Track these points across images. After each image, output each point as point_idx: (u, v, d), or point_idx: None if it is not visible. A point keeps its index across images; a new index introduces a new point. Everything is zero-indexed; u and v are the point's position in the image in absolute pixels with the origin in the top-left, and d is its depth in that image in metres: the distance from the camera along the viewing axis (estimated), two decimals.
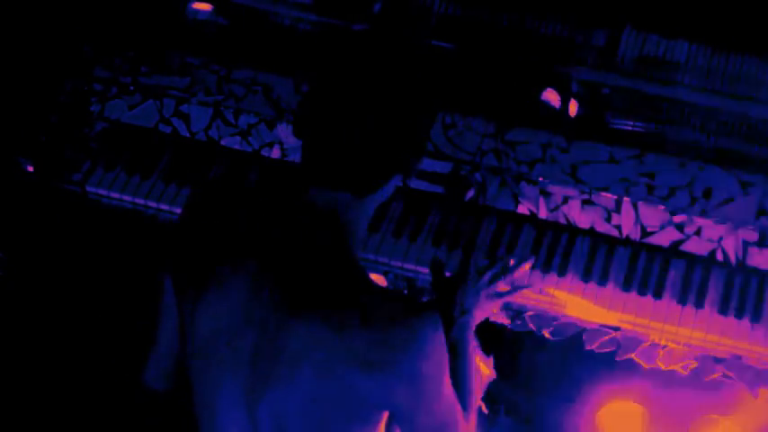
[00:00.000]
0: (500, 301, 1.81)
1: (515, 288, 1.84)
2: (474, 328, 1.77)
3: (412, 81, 1.37)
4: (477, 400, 1.67)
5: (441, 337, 1.36)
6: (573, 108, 2.22)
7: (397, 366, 1.33)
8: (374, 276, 2.19)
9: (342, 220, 1.41)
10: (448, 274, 1.88)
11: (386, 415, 1.46)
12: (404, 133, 1.37)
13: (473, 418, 1.63)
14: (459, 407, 1.50)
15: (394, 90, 1.36)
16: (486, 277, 1.80)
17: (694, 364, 2.10)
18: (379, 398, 1.37)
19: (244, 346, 1.40)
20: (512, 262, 1.84)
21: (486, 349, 2.00)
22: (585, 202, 2.15)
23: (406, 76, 1.37)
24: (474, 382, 1.69)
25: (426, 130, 1.42)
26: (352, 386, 1.34)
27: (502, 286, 1.81)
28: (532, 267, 2.14)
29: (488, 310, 1.80)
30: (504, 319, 2.20)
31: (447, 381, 1.42)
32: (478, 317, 1.78)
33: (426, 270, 2.16)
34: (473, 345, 1.76)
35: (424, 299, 2.21)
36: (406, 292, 2.22)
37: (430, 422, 1.43)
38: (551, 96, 2.23)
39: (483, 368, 2.00)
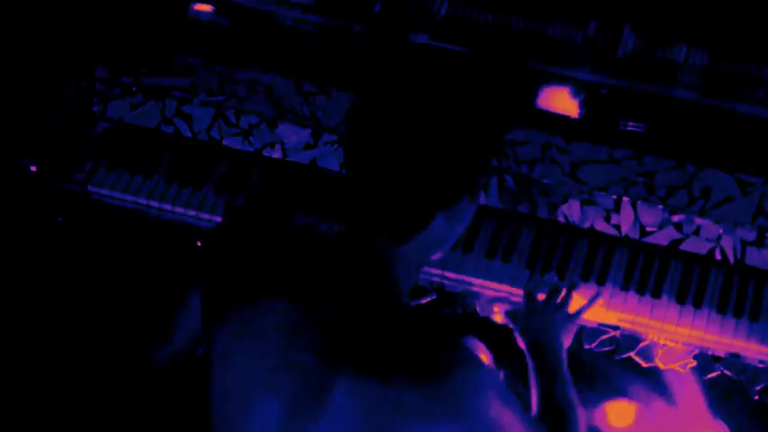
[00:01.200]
0: (576, 321, 1.84)
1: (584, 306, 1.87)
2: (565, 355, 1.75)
3: (484, 107, 1.24)
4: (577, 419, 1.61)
5: (493, 375, 1.30)
6: (572, 108, 2.23)
7: (453, 417, 1.25)
8: None
9: (388, 268, 1.32)
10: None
11: None
12: (456, 169, 1.23)
13: None
14: None
15: (467, 118, 1.23)
16: (559, 302, 1.84)
17: (693, 363, 2.11)
18: None
19: (282, 391, 1.32)
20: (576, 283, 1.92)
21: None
22: (585, 202, 2.16)
23: (479, 101, 1.24)
24: (579, 410, 1.62)
25: (484, 164, 1.28)
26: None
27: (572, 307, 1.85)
28: (532, 269, 2.15)
29: (571, 335, 1.81)
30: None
31: (516, 417, 1.31)
32: (565, 338, 1.79)
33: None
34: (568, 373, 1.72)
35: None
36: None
37: None
38: (551, 97, 2.24)
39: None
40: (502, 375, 1.34)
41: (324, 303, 1.31)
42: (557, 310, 1.83)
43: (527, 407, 1.65)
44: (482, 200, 2.12)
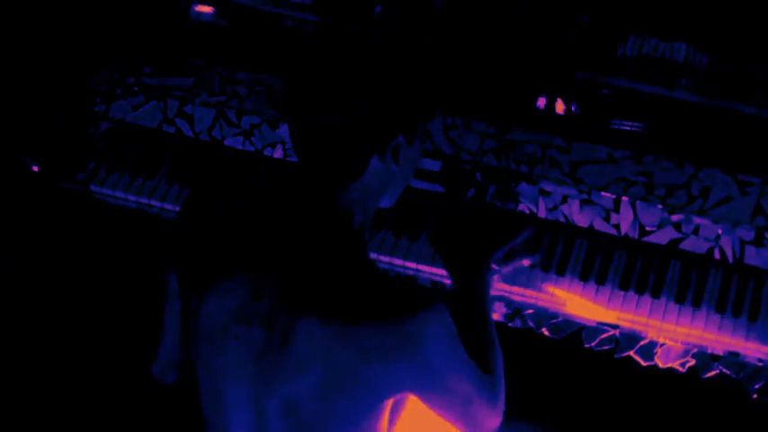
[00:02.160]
0: (511, 264, 1.98)
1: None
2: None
3: (391, 69, 1.40)
4: (501, 362, 1.70)
5: (448, 324, 1.40)
6: (572, 109, 2.24)
7: (408, 357, 1.36)
8: None
9: (341, 207, 1.45)
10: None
11: (391, 401, 1.49)
12: (372, 113, 1.39)
13: (502, 388, 1.65)
14: (483, 383, 1.54)
15: (369, 78, 1.39)
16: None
17: (692, 362, 2.12)
18: (390, 387, 1.40)
19: (251, 341, 1.42)
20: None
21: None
22: (584, 202, 2.17)
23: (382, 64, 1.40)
24: (494, 335, 1.74)
25: (403, 113, 1.43)
26: (362, 378, 1.37)
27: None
28: (532, 267, 2.17)
29: (502, 273, 1.97)
30: (503, 318, 2.21)
31: (462, 361, 1.46)
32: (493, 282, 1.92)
33: (427, 269, 2.18)
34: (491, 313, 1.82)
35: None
36: None
37: (452, 400, 1.48)
38: (551, 97, 2.25)
39: None
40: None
41: (281, 250, 1.42)
42: (494, 248, 1.95)
43: None
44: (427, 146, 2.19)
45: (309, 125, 1.41)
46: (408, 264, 2.20)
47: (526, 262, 2.09)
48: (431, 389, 1.45)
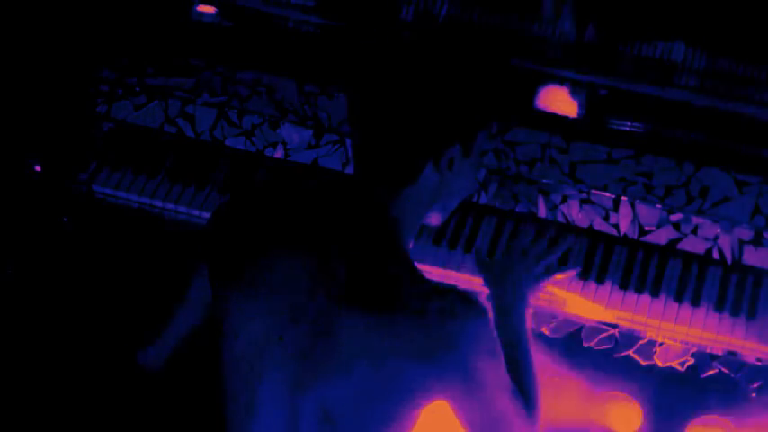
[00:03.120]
0: (548, 280, 1.87)
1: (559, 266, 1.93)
2: (531, 313, 1.81)
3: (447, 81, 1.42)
4: (540, 393, 1.67)
5: (489, 329, 1.40)
6: (571, 109, 2.25)
7: (447, 357, 1.36)
8: None
9: (392, 214, 1.45)
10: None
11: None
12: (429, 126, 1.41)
13: (538, 412, 1.62)
14: (518, 401, 1.51)
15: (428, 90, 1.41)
16: (532, 256, 1.86)
17: (691, 361, 2.13)
18: (428, 388, 1.39)
19: (294, 341, 1.42)
20: (552, 233, 1.94)
21: None
22: (584, 202, 2.18)
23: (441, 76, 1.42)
24: (536, 372, 1.70)
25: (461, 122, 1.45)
26: (403, 377, 1.37)
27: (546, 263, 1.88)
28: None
29: (541, 290, 1.86)
30: None
31: (500, 373, 1.45)
32: (534, 299, 1.84)
33: (427, 268, 2.19)
34: (530, 331, 1.77)
35: None
36: None
37: (484, 415, 1.45)
38: (550, 97, 2.26)
39: None
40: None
41: (332, 249, 1.42)
42: (533, 263, 1.85)
43: None
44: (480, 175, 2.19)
45: (373, 130, 1.42)
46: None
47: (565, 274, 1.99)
48: (466, 394, 1.42)
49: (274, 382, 1.44)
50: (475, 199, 2.21)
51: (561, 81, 2.24)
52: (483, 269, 1.92)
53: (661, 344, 2.12)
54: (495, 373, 1.43)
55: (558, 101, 2.26)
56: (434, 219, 1.55)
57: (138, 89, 2.39)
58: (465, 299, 1.39)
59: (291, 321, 1.42)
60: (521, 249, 1.88)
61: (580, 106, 2.24)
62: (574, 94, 2.25)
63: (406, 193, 1.44)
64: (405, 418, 1.42)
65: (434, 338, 1.35)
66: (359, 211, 1.46)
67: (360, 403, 1.40)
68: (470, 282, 2.15)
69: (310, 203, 1.51)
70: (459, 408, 1.44)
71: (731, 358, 2.09)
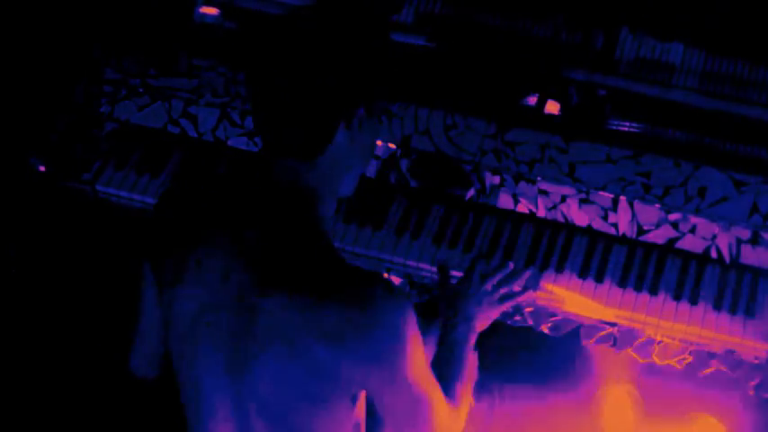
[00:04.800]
0: (502, 308, 1.87)
1: (516, 294, 1.90)
2: (477, 334, 1.81)
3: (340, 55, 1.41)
4: (467, 395, 1.69)
5: (411, 322, 1.40)
6: (571, 109, 2.26)
7: (364, 345, 1.37)
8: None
9: (310, 184, 1.45)
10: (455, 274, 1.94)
11: (360, 409, 1.50)
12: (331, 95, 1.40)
13: (462, 408, 1.65)
14: (437, 390, 1.52)
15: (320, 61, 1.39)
16: (488, 285, 1.87)
17: (689, 359, 2.14)
18: (346, 376, 1.40)
19: (222, 326, 1.44)
20: (510, 266, 1.91)
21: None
22: (583, 201, 2.19)
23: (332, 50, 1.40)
24: (465, 379, 1.72)
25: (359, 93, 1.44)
26: (321, 363, 1.37)
27: (503, 291, 1.88)
28: (532, 265, 2.19)
29: (491, 317, 1.86)
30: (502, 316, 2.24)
31: (419, 363, 1.45)
32: (481, 324, 1.84)
33: (427, 267, 2.21)
34: (472, 349, 1.79)
35: (425, 296, 2.26)
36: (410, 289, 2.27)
37: (400, 402, 1.46)
38: (549, 98, 2.27)
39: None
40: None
41: (249, 232, 1.43)
42: (487, 294, 1.86)
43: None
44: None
45: (276, 97, 1.41)
46: (409, 262, 2.23)
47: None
48: (381, 382, 1.43)
49: (211, 366, 1.46)
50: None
51: (560, 81, 2.26)
52: (440, 290, 1.93)
53: (659, 342, 2.13)
54: (408, 363, 1.43)
55: (558, 101, 2.27)
56: (346, 186, 1.54)
57: (141, 90, 2.40)
58: (386, 287, 1.39)
59: (215, 306, 1.44)
60: (478, 278, 1.88)
61: (579, 106, 2.26)
62: (573, 94, 2.26)
63: (320, 161, 1.44)
64: (333, 406, 1.44)
65: (352, 323, 1.36)
66: (270, 189, 1.45)
67: (283, 390, 1.41)
68: None
69: (225, 187, 1.51)
70: (376, 396, 1.46)
71: (729, 356, 2.10)
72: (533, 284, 2.14)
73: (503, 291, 1.88)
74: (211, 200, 1.50)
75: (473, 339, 1.80)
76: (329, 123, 1.42)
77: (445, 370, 1.69)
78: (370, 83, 1.45)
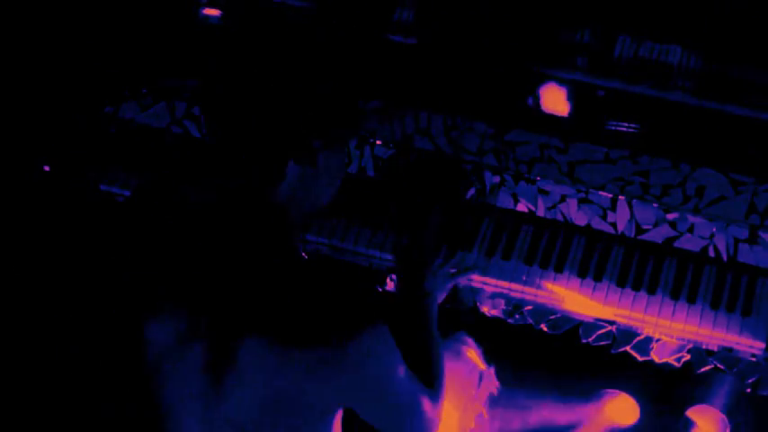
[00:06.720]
0: (452, 281, 2.02)
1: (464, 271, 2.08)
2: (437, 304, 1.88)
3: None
4: (442, 373, 1.72)
5: (389, 342, 1.42)
6: (570, 110, 2.27)
7: (351, 376, 1.38)
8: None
9: (276, 201, 1.43)
10: None
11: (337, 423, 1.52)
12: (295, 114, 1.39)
13: (441, 392, 1.67)
14: (422, 394, 1.55)
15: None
16: (438, 262, 2.00)
17: (687, 357, 2.15)
18: (331, 401, 1.42)
19: (194, 359, 1.43)
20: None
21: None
22: (582, 201, 2.21)
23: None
24: (436, 353, 1.75)
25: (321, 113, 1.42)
26: (304, 392, 1.38)
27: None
28: (532, 264, 2.20)
29: (445, 289, 1.99)
30: (502, 314, 2.25)
31: (399, 375, 1.46)
32: (439, 295, 1.95)
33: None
34: (435, 318, 1.84)
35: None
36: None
37: (392, 412, 1.50)
38: (549, 98, 2.29)
39: (478, 363, 2.07)
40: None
41: (221, 258, 1.40)
42: (438, 268, 1.99)
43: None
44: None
45: (228, 131, 1.40)
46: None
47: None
48: (371, 403, 1.46)
49: (187, 399, 1.46)
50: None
51: (560, 82, 2.28)
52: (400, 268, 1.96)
53: (658, 340, 2.15)
54: (398, 380, 1.45)
55: (557, 102, 2.28)
56: (321, 201, 1.52)
57: (144, 90, 2.41)
58: (364, 317, 1.38)
59: (186, 339, 1.43)
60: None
61: (579, 107, 2.27)
62: (572, 95, 2.27)
63: (278, 190, 1.43)
64: (313, 428, 1.45)
65: (337, 359, 1.36)
66: (237, 208, 1.44)
67: (265, 416, 1.41)
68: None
69: (199, 214, 1.48)
70: (366, 414, 1.49)
71: (727, 354, 2.12)
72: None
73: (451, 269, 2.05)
74: (179, 222, 1.47)
75: (435, 310, 1.86)
76: (279, 156, 1.41)
77: (421, 352, 1.71)
78: (321, 116, 1.42)
